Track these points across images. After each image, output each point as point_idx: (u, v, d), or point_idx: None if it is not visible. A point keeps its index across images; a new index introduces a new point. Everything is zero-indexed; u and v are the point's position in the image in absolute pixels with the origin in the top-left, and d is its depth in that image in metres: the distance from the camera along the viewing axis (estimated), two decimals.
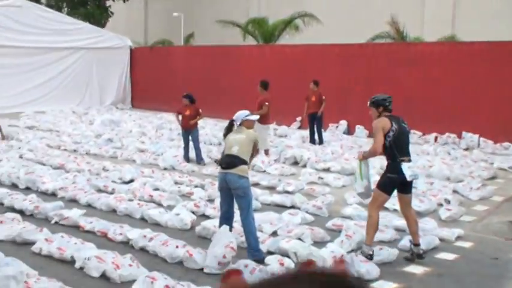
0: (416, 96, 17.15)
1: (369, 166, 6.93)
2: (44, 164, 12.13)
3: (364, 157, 6.76)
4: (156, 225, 7.91)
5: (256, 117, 7.30)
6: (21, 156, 12.94)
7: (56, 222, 7.93)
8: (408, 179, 6.42)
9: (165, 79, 24.92)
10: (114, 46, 26.10)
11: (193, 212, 8.36)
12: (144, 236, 6.88)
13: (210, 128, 17.20)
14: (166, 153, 13.21)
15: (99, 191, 9.87)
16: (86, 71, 25.29)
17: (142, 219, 8.26)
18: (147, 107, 25.24)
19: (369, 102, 6.69)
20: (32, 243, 6.82)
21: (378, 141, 6.41)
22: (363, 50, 18.98)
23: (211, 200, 9.29)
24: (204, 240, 7.22)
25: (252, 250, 6.58)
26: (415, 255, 6.65)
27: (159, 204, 8.92)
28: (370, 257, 6.45)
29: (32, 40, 23.47)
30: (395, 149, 6.46)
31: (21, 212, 8.23)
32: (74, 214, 7.88)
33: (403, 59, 17.57)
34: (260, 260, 6.35)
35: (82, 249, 6.33)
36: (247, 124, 6.97)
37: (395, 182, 6.50)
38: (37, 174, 10.51)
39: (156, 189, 10.01)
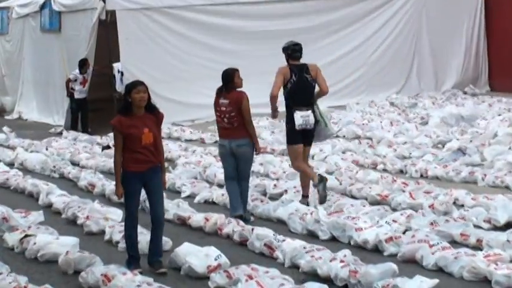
0: None
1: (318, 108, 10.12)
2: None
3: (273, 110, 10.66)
4: None
5: None
6: None
7: None
8: (296, 127, 9.90)
9: None
10: None
11: None
12: None
13: None
14: None
15: None
16: (411, 32, 23.25)
17: None
18: None
19: None
20: None
21: (274, 84, 9.98)
22: None
23: None
24: None
25: None
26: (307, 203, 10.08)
27: None
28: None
29: None
30: (290, 100, 10.06)
31: None
32: None
33: None
34: None
35: None
36: None
37: (293, 130, 9.97)
38: None
39: None
